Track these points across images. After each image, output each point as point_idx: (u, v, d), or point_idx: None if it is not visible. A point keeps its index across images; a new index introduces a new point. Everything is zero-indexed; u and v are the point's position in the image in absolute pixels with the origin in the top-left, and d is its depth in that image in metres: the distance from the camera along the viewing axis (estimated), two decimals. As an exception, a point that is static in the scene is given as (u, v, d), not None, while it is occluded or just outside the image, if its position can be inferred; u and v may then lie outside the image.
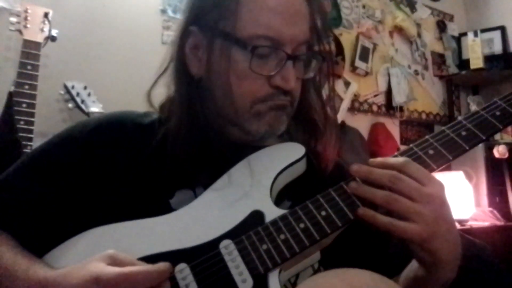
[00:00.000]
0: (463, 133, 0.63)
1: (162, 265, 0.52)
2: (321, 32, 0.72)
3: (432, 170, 0.61)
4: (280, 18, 0.64)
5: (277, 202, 0.64)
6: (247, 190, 0.64)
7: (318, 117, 0.75)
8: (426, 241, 0.54)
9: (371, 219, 0.56)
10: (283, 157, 0.67)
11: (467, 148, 0.62)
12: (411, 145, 0.63)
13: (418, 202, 0.55)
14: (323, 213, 0.58)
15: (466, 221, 2.25)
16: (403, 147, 0.63)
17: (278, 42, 0.64)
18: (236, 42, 0.64)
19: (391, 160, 0.60)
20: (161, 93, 0.74)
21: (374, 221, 0.56)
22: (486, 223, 2.34)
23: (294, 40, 0.66)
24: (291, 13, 0.65)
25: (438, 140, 0.63)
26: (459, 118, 0.65)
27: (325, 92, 0.77)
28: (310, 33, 0.69)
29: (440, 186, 0.57)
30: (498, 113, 0.64)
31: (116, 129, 0.70)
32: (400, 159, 0.59)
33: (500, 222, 2.38)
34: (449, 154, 0.61)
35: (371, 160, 0.61)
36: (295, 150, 0.68)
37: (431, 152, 0.62)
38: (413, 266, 0.65)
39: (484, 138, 0.63)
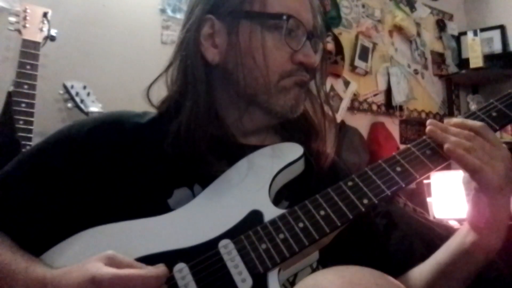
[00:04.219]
0: None
1: (160, 270, 0.51)
2: (322, 29, 0.76)
3: (430, 170, 0.61)
4: (299, 1, 0.71)
5: (275, 202, 0.64)
6: (245, 189, 0.64)
7: (316, 115, 0.76)
8: (502, 190, 0.58)
9: (459, 157, 0.59)
10: (281, 157, 0.67)
11: None
12: (408, 145, 0.63)
13: (492, 158, 0.58)
14: (322, 212, 0.58)
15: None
16: (402, 146, 0.63)
17: (299, 22, 0.69)
18: (270, 17, 0.68)
19: (469, 121, 0.62)
20: (155, 92, 0.74)
21: (461, 159, 0.58)
22: (485, 222, 2.33)
23: (308, 24, 0.71)
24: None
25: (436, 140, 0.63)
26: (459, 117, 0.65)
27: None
28: (313, 26, 0.73)
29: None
30: (494, 114, 0.65)
31: (113, 129, 0.70)
32: (479, 123, 0.62)
33: (499, 221, 2.38)
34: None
35: (448, 120, 0.64)
36: (293, 150, 0.68)
37: (428, 152, 0.62)
38: (453, 242, 0.67)
39: None
